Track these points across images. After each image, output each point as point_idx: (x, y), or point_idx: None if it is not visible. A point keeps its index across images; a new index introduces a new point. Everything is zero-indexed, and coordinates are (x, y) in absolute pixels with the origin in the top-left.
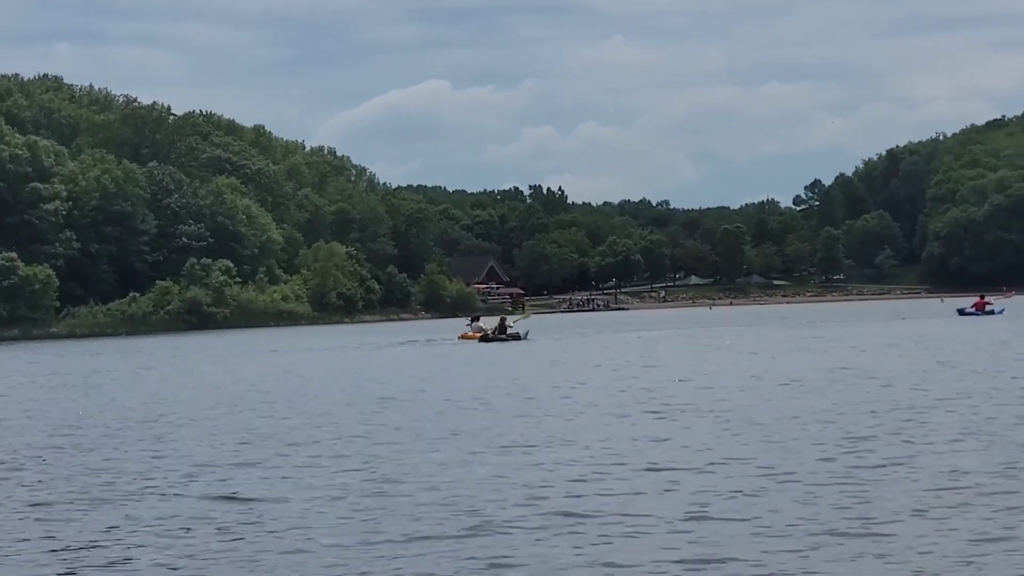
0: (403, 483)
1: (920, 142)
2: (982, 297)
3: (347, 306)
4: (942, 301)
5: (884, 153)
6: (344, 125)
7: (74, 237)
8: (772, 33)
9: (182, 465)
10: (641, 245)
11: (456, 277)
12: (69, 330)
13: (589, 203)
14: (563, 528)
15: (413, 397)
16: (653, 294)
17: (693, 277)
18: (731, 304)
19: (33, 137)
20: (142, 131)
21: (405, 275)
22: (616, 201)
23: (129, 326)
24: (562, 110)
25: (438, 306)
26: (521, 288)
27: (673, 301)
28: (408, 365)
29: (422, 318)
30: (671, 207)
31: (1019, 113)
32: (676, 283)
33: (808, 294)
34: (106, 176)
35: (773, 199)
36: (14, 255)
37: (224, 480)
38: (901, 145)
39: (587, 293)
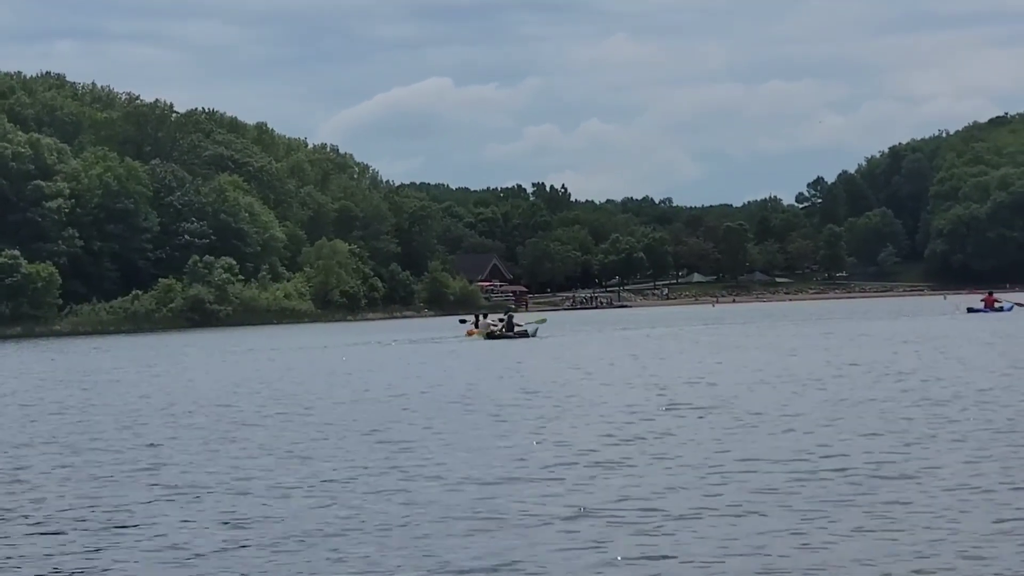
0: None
1: (923, 139)
2: (991, 294)
3: (350, 304)
4: (945, 299)
5: (887, 150)
6: (347, 122)
7: (77, 235)
8: (774, 31)
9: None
10: (644, 243)
11: (459, 275)
12: (72, 328)
13: (592, 201)
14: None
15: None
16: (656, 292)
17: (696, 275)
18: (734, 302)
19: (36, 135)
20: (145, 129)
21: (408, 273)
22: (619, 199)
23: (132, 324)
24: (565, 108)
25: (441, 304)
26: (524, 286)
27: (676, 299)
28: (447, 362)
29: (425, 316)
30: (674, 205)
31: (1022, 110)
32: (679, 281)
33: (811, 292)
34: (109, 174)
35: (776, 196)
36: (17, 253)
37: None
38: (904, 142)
39: (590, 291)
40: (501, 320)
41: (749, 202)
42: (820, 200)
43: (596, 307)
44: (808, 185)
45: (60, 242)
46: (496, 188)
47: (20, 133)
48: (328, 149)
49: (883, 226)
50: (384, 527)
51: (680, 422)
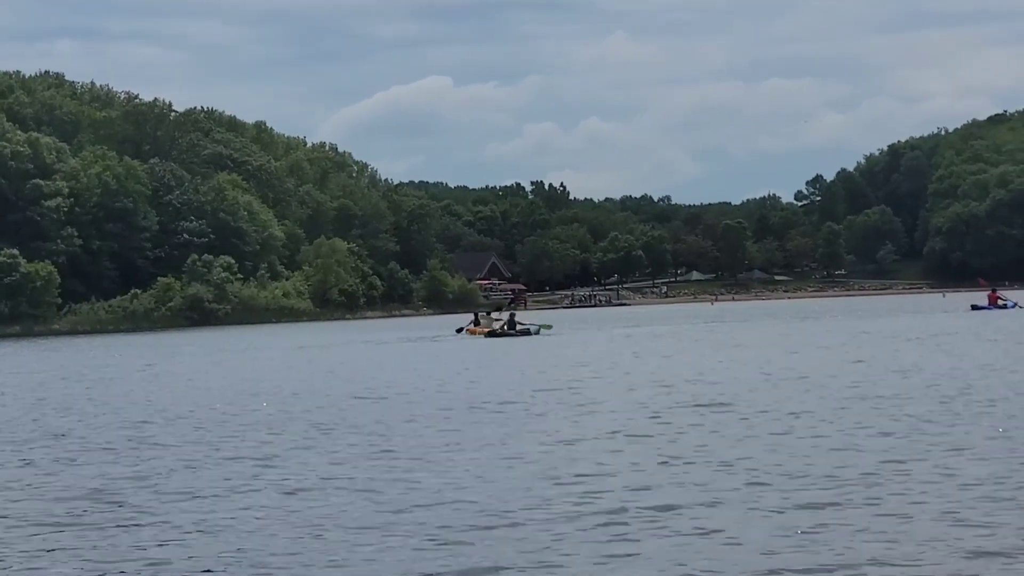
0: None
1: (921, 137)
2: (994, 291)
3: (349, 302)
4: (944, 296)
5: (885, 148)
6: (346, 121)
7: (76, 234)
8: (773, 29)
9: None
10: (643, 241)
11: (458, 273)
12: (71, 327)
13: (591, 199)
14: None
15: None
16: (655, 290)
17: (695, 273)
18: (733, 300)
19: (35, 134)
20: (143, 128)
21: (407, 271)
22: (618, 197)
23: (131, 323)
24: (564, 106)
25: (440, 302)
26: (523, 284)
27: (675, 297)
28: (459, 360)
29: (424, 314)
30: (673, 203)
31: (1020, 108)
32: (678, 279)
33: (810, 289)
34: (107, 173)
35: (774, 194)
36: (16, 252)
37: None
38: (902, 140)
39: (589, 289)
40: (498, 319)
41: (748, 200)
42: (819, 198)
43: (595, 305)
44: (807, 183)
45: (59, 241)
46: (495, 187)
47: (19, 132)
48: (327, 148)
49: (882, 224)
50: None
51: (717, 419)
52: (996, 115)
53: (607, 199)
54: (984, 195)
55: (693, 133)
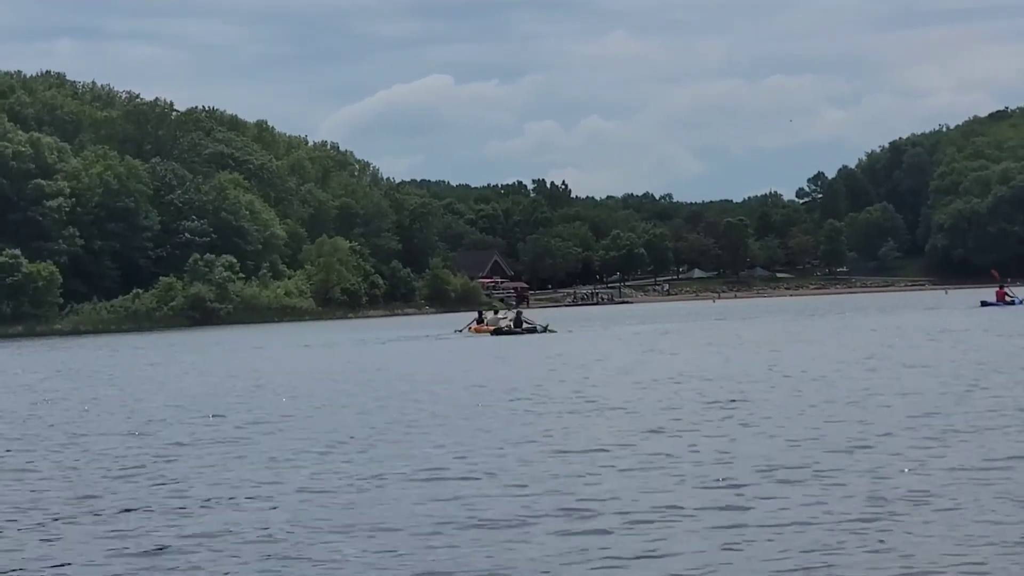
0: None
1: (923, 134)
2: (1001, 287)
3: (351, 301)
4: (946, 293)
5: (887, 145)
6: (347, 120)
7: (77, 234)
8: (774, 26)
9: None
10: (644, 239)
11: (460, 271)
12: (73, 327)
13: (592, 197)
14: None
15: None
16: (657, 288)
17: (696, 270)
18: (735, 297)
19: (36, 134)
20: (145, 127)
21: (409, 270)
22: (619, 195)
23: (133, 322)
24: (565, 104)
25: (442, 301)
26: (525, 282)
27: (677, 295)
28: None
29: (426, 313)
30: (674, 200)
31: (1022, 104)
32: (680, 276)
33: (811, 287)
34: (109, 173)
35: (776, 192)
36: (18, 252)
37: None
38: (904, 137)
39: (591, 287)
40: (504, 318)
41: (749, 198)
42: (820, 195)
43: (597, 303)
44: (808, 180)
45: (61, 241)
46: (497, 185)
47: (20, 132)
48: (328, 147)
49: (884, 221)
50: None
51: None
52: (998, 111)
53: (609, 197)
54: (986, 192)
55: (694, 131)
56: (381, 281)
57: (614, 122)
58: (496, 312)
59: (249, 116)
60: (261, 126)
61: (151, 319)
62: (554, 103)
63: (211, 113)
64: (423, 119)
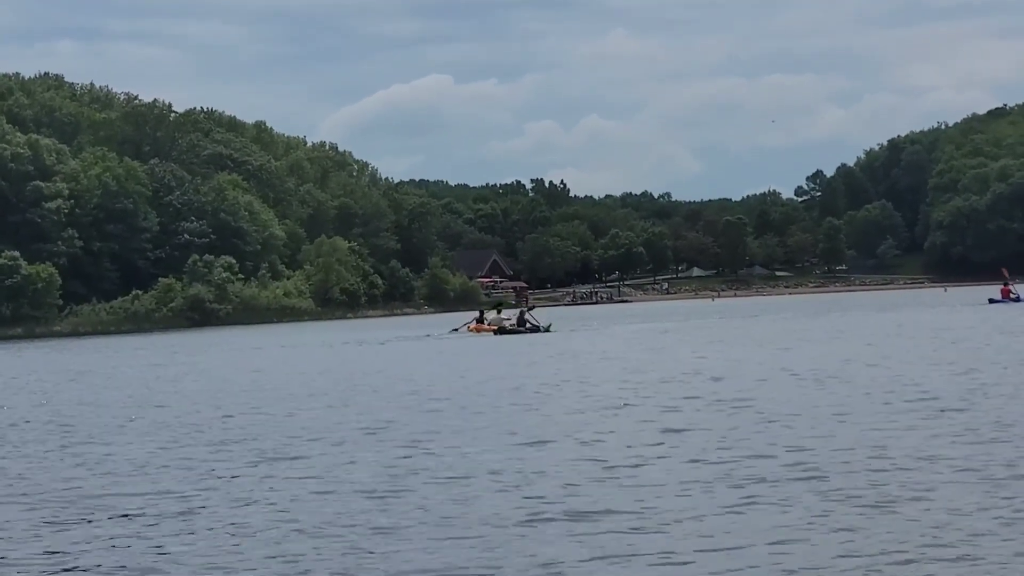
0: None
1: (922, 132)
2: (1006, 285)
3: (350, 301)
4: (945, 291)
5: (886, 143)
6: (346, 120)
7: (76, 235)
8: (773, 24)
9: None
10: (643, 238)
11: (459, 271)
12: (72, 328)
13: (591, 196)
14: None
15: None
16: (656, 286)
17: (695, 269)
18: (734, 296)
19: (34, 136)
20: (143, 128)
21: (408, 270)
22: (618, 194)
23: (132, 324)
24: (564, 104)
25: (441, 300)
26: (524, 281)
27: (676, 293)
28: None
29: (425, 313)
30: (673, 199)
31: (1021, 102)
32: (679, 275)
33: (810, 285)
34: (108, 174)
35: (775, 190)
36: (16, 254)
37: None
38: (903, 135)
39: (590, 286)
40: (507, 318)
41: (748, 196)
42: (819, 193)
43: (596, 302)
44: (807, 178)
45: (60, 243)
46: (496, 184)
47: (19, 134)
48: (327, 147)
49: (882, 219)
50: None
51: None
52: (996, 109)
53: (608, 196)
54: (984, 189)
55: (693, 129)
56: (380, 281)
57: (613, 121)
58: (499, 312)
59: (248, 116)
60: (260, 127)
61: (150, 320)
62: (553, 102)
63: (210, 114)
64: (422, 119)
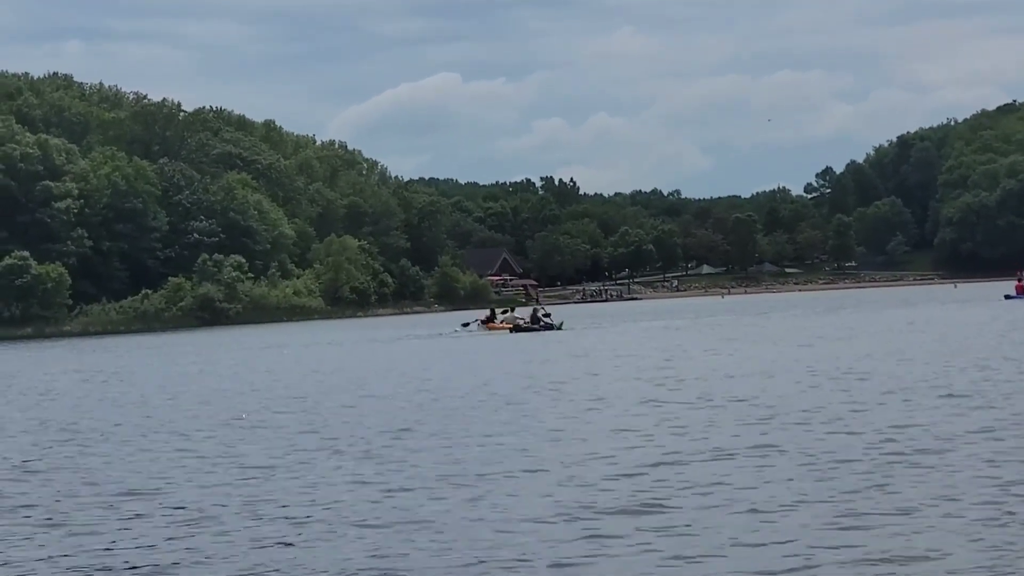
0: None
1: (931, 128)
2: (1020, 280)
3: (360, 300)
4: (955, 287)
5: (895, 139)
6: (355, 119)
7: (86, 235)
8: (780, 21)
9: None
10: (653, 235)
11: (469, 269)
12: (82, 328)
13: (601, 194)
14: None
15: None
16: (666, 284)
17: (705, 266)
18: (745, 293)
19: (44, 136)
20: (152, 128)
21: (418, 268)
22: (627, 191)
23: (142, 323)
24: (572, 102)
25: (451, 298)
26: (534, 279)
27: (686, 291)
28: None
29: (436, 311)
30: (682, 197)
31: None
32: (688, 272)
33: (820, 282)
34: (117, 173)
35: (784, 187)
36: (26, 254)
37: None
38: (912, 131)
39: (600, 283)
40: (520, 317)
41: (758, 193)
42: (829, 190)
43: (606, 300)
44: (817, 175)
45: (69, 242)
46: (505, 182)
47: (28, 134)
48: (337, 146)
49: (892, 215)
50: None
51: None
52: (1005, 104)
53: (617, 194)
54: (994, 185)
55: (702, 127)
56: (390, 279)
57: (621, 119)
58: (512, 311)
59: (256, 116)
60: (269, 126)
61: (160, 320)
62: (561, 100)
63: (219, 113)
64: (430, 117)
